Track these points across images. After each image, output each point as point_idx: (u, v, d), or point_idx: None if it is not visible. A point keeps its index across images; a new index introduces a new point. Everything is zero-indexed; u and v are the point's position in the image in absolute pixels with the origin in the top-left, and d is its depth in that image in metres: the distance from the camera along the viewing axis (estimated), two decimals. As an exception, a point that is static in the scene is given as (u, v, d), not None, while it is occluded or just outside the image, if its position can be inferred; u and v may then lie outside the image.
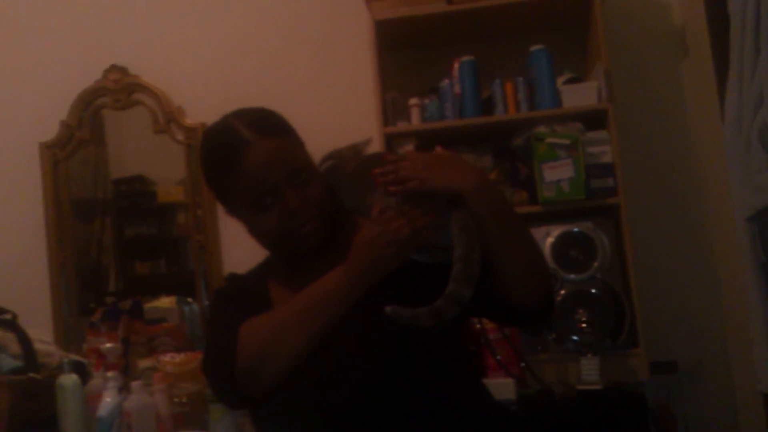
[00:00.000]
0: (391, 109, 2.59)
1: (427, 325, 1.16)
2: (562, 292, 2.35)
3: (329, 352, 1.23)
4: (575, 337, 2.29)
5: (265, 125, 1.30)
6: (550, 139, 2.41)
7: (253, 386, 1.23)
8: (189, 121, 2.93)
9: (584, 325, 2.25)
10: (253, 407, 1.33)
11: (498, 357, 2.22)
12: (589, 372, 2.22)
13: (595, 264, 2.36)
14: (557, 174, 2.39)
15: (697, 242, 2.67)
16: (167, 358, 2.04)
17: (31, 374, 1.99)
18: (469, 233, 1.19)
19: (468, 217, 1.20)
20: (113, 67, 3.00)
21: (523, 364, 2.26)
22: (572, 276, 2.36)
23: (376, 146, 2.45)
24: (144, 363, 2.15)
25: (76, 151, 3.02)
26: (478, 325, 2.21)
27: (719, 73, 2.25)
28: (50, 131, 3.00)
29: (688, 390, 2.53)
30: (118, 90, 2.99)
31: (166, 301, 2.71)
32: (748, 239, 1.79)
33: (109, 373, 1.95)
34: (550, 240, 2.39)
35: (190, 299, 2.82)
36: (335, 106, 2.85)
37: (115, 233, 3.13)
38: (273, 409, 1.25)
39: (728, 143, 1.83)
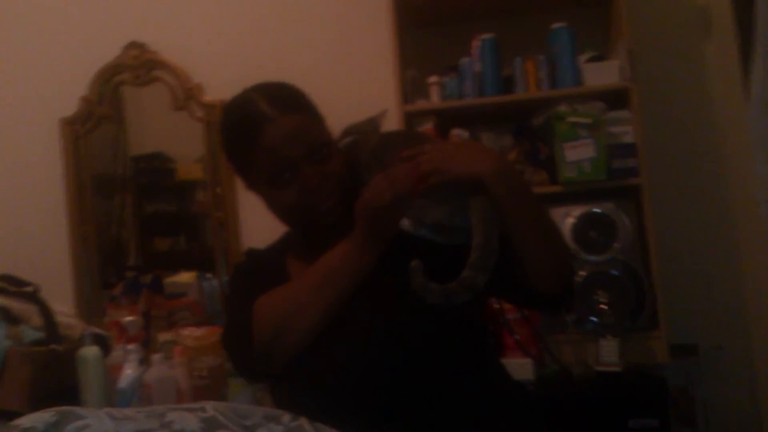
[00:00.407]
0: (410, 87, 2.58)
1: (433, 303, 1.16)
2: (582, 273, 2.33)
3: (348, 326, 1.23)
4: (595, 319, 2.27)
5: (286, 101, 1.30)
6: (571, 119, 2.38)
7: (270, 360, 1.24)
8: (208, 98, 2.93)
9: (604, 306, 2.24)
10: (271, 380, 1.34)
11: (516, 337, 2.22)
12: (608, 353, 2.21)
13: (616, 245, 2.33)
14: (578, 154, 2.37)
15: (720, 224, 2.64)
16: (187, 332, 2.06)
17: (53, 346, 2.00)
18: (487, 222, 1.19)
19: (487, 205, 1.20)
20: (133, 44, 3.00)
21: (541, 345, 2.26)
22: (592, 257, 2.34)
23: (395, 125, 2.45)
24: (164, 336, 2.17)
25: (95, 128, 3.03)
26: (496, 305, 2.21)
27: (743, 51, 2.22)
28: (70, 107, 3.01)
29: (707, 373, 2.52)
30: (137, 66, 2.99)
31: (186, 276, 2.73)
32: (772, 220, 1.78)
33: (130, 346, 1.97)
34: (571, 221, 2.37)
35: (209, 275, 2.84)
36: (354, 83, 2.84)
37: (135, 209, 3.15)
38: (292, 382, 1.26)
39: (753, 122, 1.81)
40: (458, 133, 2.54)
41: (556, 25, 2.49)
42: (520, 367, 2.13)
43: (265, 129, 1.25)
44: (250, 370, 1.33)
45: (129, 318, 2.20)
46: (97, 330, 2.16)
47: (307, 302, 1.24)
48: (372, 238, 1.25)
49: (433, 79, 2.56)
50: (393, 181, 1.21)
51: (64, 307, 2.24)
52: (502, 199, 1.20)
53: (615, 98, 2.46)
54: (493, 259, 1.17)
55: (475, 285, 1.16)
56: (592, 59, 2.50)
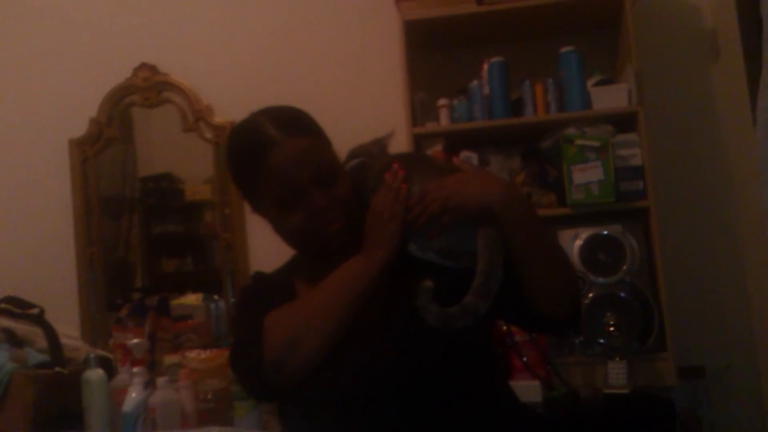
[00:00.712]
0: (419, 110, 2.59)
1: (432, 325, 1.16)
2: (590, 295, 2.33)
3: (356, 347, 1.22)
4: (603, 341, 2.26)
5: (293, 124, 1.30)
6: (579, 141, 2.39)
7: (281, 377, 1.23)
8: (218, 119, 2.95)
9: (612, 328, 2.23)
10: (281, 400, 1.33)
11: (524, 359, 2.20)
12: (616, 376, 2.20)
13: (624, 267, 2.33)
14: (586, 176, 2.38)
15: (727, 247, 2.63)
16: (193, 354, 2.04)
17: (57, 368, 2.00)
18: (492, 249, 1.19)
19: (493, 232, 1.20)
20: (143, 65, 3.02)
21: (549, 367, 2.24)
22: (600, 279, 2.34)
23: (404, 147, 2.45)
24: (170, 359, 2.16)
25: (104, 149, 3.05)
26: (504, 327, 2.20)
27: (751, 76, 2.22)
28: (80, 128, 3.03)
29: (715, 395, 2.50)
30: (147, 88, 3.01)
31: (192, 298, 2.72)
32: (780, 244, 1.77)
33: (135, 369, 1.96)
34: (579, 242, 2.37)
35: (216, 296, 2.84)
36: (364, 106, 2.85)
37: (142, 230, 3.15)
38: (300, 402, 1.25)
39: (760, 146, 1.80)
40: (467, 156, 2.55)
41: (564, 49, 2.51)
42: (528, 389, 2.12)
43: (272, 152, 1.26)
44: (261, 389, 1.31)
45: (134, 340, 2.18)
46: (101, 352, 2.16)
47: (318, 317, 1.23)
48: (378, 253, 1.26)
49: (442, 101, 2.57)
50: (390, 200, 1.24)
51: (69, 329, 2.24)
52: (511, 227, 1.20)
53: (623, 121, 2.46)
54: (496, 286, 1.17)
55: (476, 311, 1.16)
56: (600, 83, 2.51)
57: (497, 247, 1.19)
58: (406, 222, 1.25)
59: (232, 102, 2.88)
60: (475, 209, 1.20)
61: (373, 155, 1.41)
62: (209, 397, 1.95)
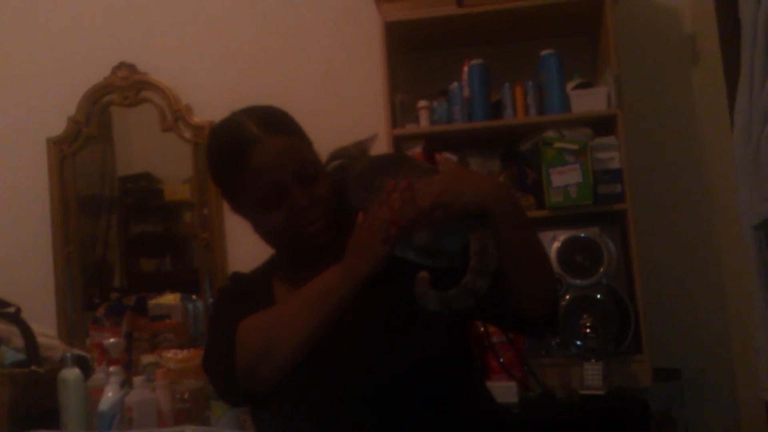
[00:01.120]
0: (399, 111, 2.59)
1: (434, 310, 1.16)
2: (567, 296, 2.35)
3: (331, 352, 1.22)
4: (579, 342, 2.28)
5: (274, 123, 1.30)
6: (558, 144, 2.41)
7: (253, 384, 1.23)
8: (197, 119, 2.94)
9: (588, 330, 2.24)
10: (253, 405, 1.33)
11: (501, 360, 2.21)
12: (592, 377, 2.21)
13: (601, 269, 2.35)
14: (565, 179, 2.39)
15: (704, 250, 2.66)
16: (170, 354, 2.04)
17: (34, 367, 1.99)
18: (483, 234, 1.19)
19: (484, 227, 1.20)
20: (122, 65, 3.01)
21: (526, 368, 2.25)
22: (578, 281, 2.36)
23: (384, 148, 2.45)
24: (147, 359, 2.15)
25: (83, 147, 3.03)
26: (482, 328, 2.21)
27: (729, 80, 2.24)
28: (58, 127, 3.01)
29: (690, 397, 2.52)
30: (126, 87, 3.00)
31: (170, 298, 2.71)
32: (754, 247, 1.79)
33: (112, 368, 1.95)
34: (557, 245, 2.39)
35: (194, 296, 2.82)
36: (343, 107, 2.85)
37: (121, 230, 3.13)
38: (273, 408, 1.24)
39: (737, 150, 1.82)
40: (447, 157, 2.55)
41: (544, 52, 2.52)
42: (504, 390, 2.13)
43: (254, 150, 1.25)
44: (232, 394, 1.31)
45: (111, 340, 2.17)
46: (78, 352, 2.15)
47: (291, 327, 1.23)
48: (361, 264, 1.25)
49: (422, 103, 2.58)
50: (388, 220, 1.21)
51: (45, 328, 2.23)
52: (501, 224, 1.19)
53: (602, 124, 2.48)
54: (493, 263, 1.17)
55: (476, 290, 1.16)
56: (580, 86, 2.53)
57: (487, 232, 1.19)
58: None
59: (211, 102, 2.88)
60: (469, 205, 1.19)
61: (353, 157, 1.41)
62: (186, 396, 1.95)
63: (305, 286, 1.27)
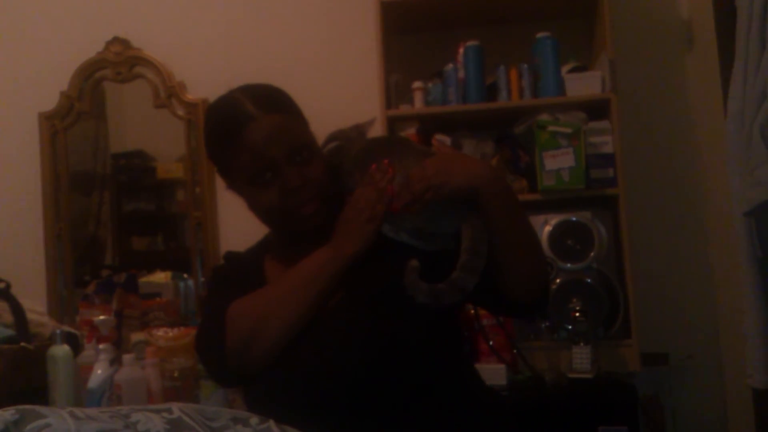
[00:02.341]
0: (394, 92, 2.58)
1: (422, 302, 1.17)
2: (558, 280, 2.35)
3: (320, 333, 1.23)
4: (568, 326, 2.29)
5: (270, 101, 1.30)
6: (552, 128, 2.40)
7: (242, 364, 1.24)
8: (190, 96, 2.92)
9: (578, 314, 2.26)
10: (244, 385, 1.33)
11: (491, 343, 2.23)
12: (580, 361, 2.23)
13: (592, 254, 2.36)
14: (558, 163, 2.39)
15: (694, 236, 2.67)
16: (160, 332, 2.04)
17: (23, 344, 1.98)
18: (476, 229, 1.20)
19: (476, 213, 1.21)
20: (115, 39, 2.98)
21: (515, 351, 2.27)
22: (568, 265, 2.36)
23: (378, 129, 2.44)
24: (137, 336, 2.15)
25: (75, 123, 3.01)
26: (472, 311, 2.22)
27: (724, 66, 2.24)
28: (50, 102, 2.98)
29: (678, 382, 2.54)
30: (119, 62, 2.97)
31: (161, 276, 2.71)
32: (745, 234, 1.79)
33: (101, 346, 1.95)
34: (548, 228, 2.39)
35: (186, 275, 2.82)
36: (338, 87, 2.84)
37: (113, 208, 3.13)
38: (263, 388, 1.26)
39: (729, 137, 1.82)
40: (440, 139, 2.55)
41: (540, 35, 2.51)
42: (493, 372, 2.15)
43: (249, 128, 1.25)
44: (222, 375, 1.32)
45: (101, 317, 2.17)
46: (68, 329, 2.14)
47: (279, 309, 1.24)
48: (349, 247, 1.26)
49: (417, 84, 2.56)
50: (373, 199, 1.23)
51: (35, 304, 2.22)
52: (492, 207, 1.21)
53: (596, 108, 2.48)
54: (482, 263, 1.19)
55: (464, 287, 1.18)
56: (575, 69, 2.52)
57: (481, 227, 1.20)
58: (389, 208, 1.25)
59: (205, 79, 2.86)
60: (460, 188, 1.20)
61: (350, 139, 1.40)
62: (175, 375, 1.95)
63: (294, 267, 1.28)
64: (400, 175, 1.25)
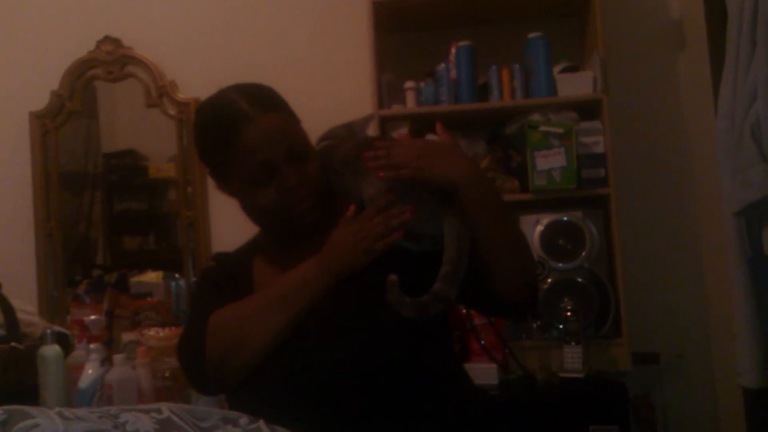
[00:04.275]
0: (386, 92, 2.58)
1: (408, 315, 1.16)
2: (549, 280, 2.36)
3: (303, 343, 1.22)
4: (560, 325, 2.29)
5: (264, 100, 1.29)
6: (543, 128, 2.41)
7: (221, 377, 1.24)
8: (181, 95, 2.91)
9: (569, 313, 2.26)
10: (225, 394, 1.33)
11: (482, 342, 2.23)
12: (571, 360, 2.23)
13: (583, 254, 2.36)
14: (549, 162, 2.39)
15: (685, 235, 2.68)
16: (151, 332, 2.04)
17: (13, 344, 1.97)
18: (460, 237, 1.20)
19: (460, 218, 1.20)
20: (107, 39, 2.97)
21: (507, 350, 2.27)
22: (560, 264, 2.37)
23: (370, 129, 2.44)
24: (128, 336, 2.14)
25: (66, 122, 2.99)
26: (464, 311, 2.22)
27: (715, 66, 2.24)
28: (41, 101, 2.97)
29: (668, 381, 2.55)
30: (110, 62, 2.96)
31: (152, 276, 2.70)
32: (735, 233, 1.80)
33: (92, 345, 1.94)
34: (540, 228, 2.39)
35: (177, 275, 2.82)
36: (330, 86, 2.84)
37: (105, 207, 3.12)
38: (244, 397, 1.25)
39: (720, 137, 1.83)
40: (433, 139, 2.55)
41: (532, 35, 2.51)
42: (485, 371, 2.15)
43: (245, 128, 1.24)
44: (202, 385, 1.33)
45: (92, 317, 2.16)
46: (58, 328, 2.13)
47: (260, 323, 1.23)
48: (339, 267, 1.25)
49: (409, 84, 2.56)
50: (377, 233, 1.22)
51: (26, 304, 2.21)
52: (474, 207, 1.20)
53: (587, 109, 2.48)
54: (463, 273, 1.19)
55: (447, 298, 1.18)
56: (566, 69, 2.52)
57: (464, 234, 1.20)
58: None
59: (197, 79, 2.86)
60: (437, 178, 1.20)
61: (341, 138, 1.40)
62: (167, 375, 1.95)
63: (279, 279, 1.27)
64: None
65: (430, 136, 2.52)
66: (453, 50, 2.54)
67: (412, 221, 1.24)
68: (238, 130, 1.24)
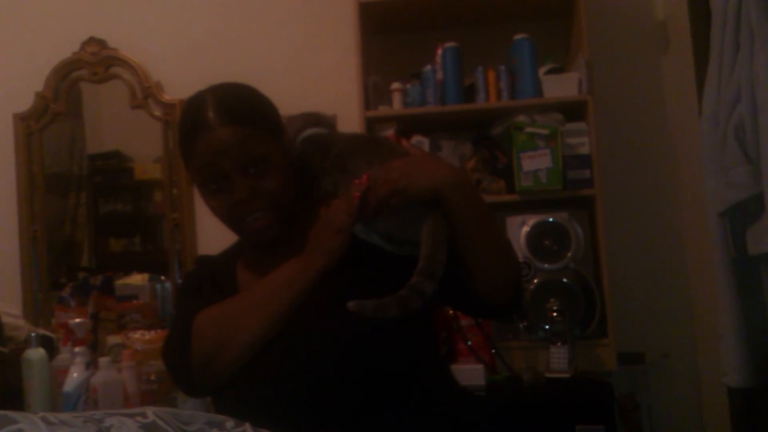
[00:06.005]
0: (372, 93, 2.58)
1: (393, 316, 1.15)
2: (535, 280, 2.37)
3: (288, 343, 1.21)
4: (546, 326, 2.30)
5: (234, 110, 1.25)
6: (529, 129, 2.41)
7: (206, 377, 1.24)
8: (167, 97, 2.90)
9: (555, 314, 2.27)
10: (211, 396, 1.33)
11: (469, 343, 2.23)
12: (557, 360, 2.24)
13: (569, 254, 2.37)
14: (535, 164, 2.40)
15: (670, 236, 2.69)
16: (137, 335, 2.03)
17: (-2, 347, 1.97)
18: (436, 236, 1.19)
19: (439, 220, 1.20)
20: (91, 40, 2.95)
21: (493, 351, 2.28)
22: (546, 265, 2.38)
23: (356, 129, 2.45)
24: (113, 339, 2.13)
25: (50, 123, 2.98)
26: (450, 312, 2.22)
27: (699, 68, 2.26)
28: (25, 102, 2.95)
29: (654, 381, 2.57)
30: (95, 63, 2.95)
31: (138, 278, 2.69)
32: (719, 234, 1.81)
33: (77, 349, 1.93)
34: (526, 229, 2.40)
35: (163, 277, 2.80)
36: (316, 87, 2.83)
37: (90, 209, 3.10)
38: (231, 399, 1.24)
39: (704, 138, 1.84)
40: (418, 141, 2.55)
41: (518, 36, 2.52)
42: (472, 372, 2.15)
43: (202, 136, 1.23)
44: (187, 386, 1.32)
45: (77, 320, 2.15)
46: (43, 332, 2.12)
47: (244, 324, 1.22)
48: (318, 262, 1.24)
49: (395, 85, 2.56)
50: (343, 210, 1.22)
51: (10, 307, 2.20)
52: (457, 212, 1.20)
53: (573, 110, 2.49)
54: (440, 269, 1.18)
55: (423, 291, 1.16)
56: (552, 71, 2.53)
57: (441, 233, 1.20)
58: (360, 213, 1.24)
59: (182, 80, 2.85)
60: (422, 192, 1.19)
61: (330, 126, 1.39)
62: (152, 378, 1.94)
63: (263, 280, 1.26)
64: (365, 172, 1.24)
65: (417, 138, 2.55)
66: (439, 52, 2.54)
67: (393, 226, 1.25)
68: (197, 136, 1.23)
